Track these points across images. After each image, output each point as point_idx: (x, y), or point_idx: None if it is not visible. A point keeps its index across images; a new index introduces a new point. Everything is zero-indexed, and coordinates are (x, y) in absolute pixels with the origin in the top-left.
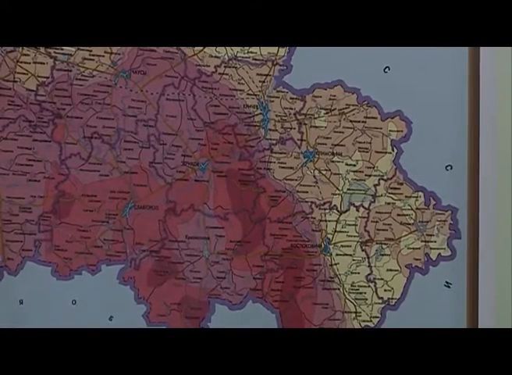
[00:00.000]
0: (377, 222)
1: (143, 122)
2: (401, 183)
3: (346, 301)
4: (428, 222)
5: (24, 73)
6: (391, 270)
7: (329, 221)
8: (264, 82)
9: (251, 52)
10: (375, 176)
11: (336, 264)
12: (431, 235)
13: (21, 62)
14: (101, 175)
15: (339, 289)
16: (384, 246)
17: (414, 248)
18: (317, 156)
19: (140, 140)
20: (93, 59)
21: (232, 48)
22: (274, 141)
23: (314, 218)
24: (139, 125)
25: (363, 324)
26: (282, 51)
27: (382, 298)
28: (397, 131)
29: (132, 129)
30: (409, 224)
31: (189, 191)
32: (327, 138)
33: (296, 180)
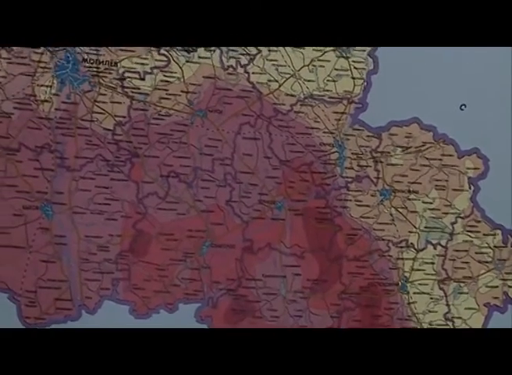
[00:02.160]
0: (454, 260)
1: (219, 160)
2: (479, 221)
3: None
4: (506, 260)
5: (101, 113)
6: (469, 309)
7: (406, 259)
8: (339, 120)
9: (327, 90)
10: (452, 213)
11: (413, 302)
12: (509, 273)
13: (98, 102)
14: (178, 214)
15: (416, 328)
16: (462, 284)
17: (492, 287)
18: (393, 194)
19: (217, 178)
20: (169, 98)
21: (308, 86)
22: (350, 179)
23: (391, 256)
24: (215, 164)
25: None
26: (358, 89)
27: None
28: (474, 169)
29: (208, 167)
30: (487, 262)
31: (265, 229)
32: (403, 176)
33: (372, 217)
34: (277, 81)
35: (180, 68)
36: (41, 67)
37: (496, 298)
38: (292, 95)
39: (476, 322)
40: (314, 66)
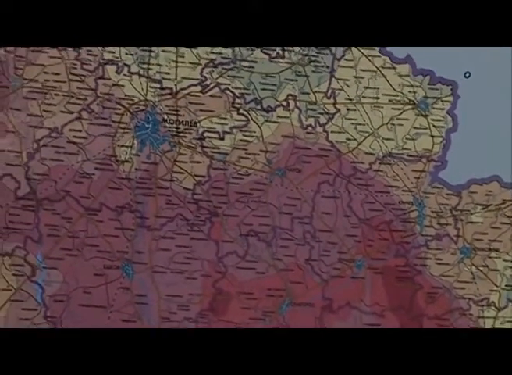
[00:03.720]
0: None
1: (298, 219)
2: None
3: None
4: None
5: (181, 173)
6: None
7: (487, 318)
8: (419, 178)
9: (406, 149)
10: None
11: None
12: None
13: (178, 162)
14: (258, 272)
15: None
16: None
17: None
18: (474, 252)
19: (296, 237)
20: (248, 158)
21: (387, 144)
22: (430, 237)
23: (472, 314)
24: (294, 222)
25: None
26: (437, 147)
27: None
28: None
29: (288, 226)
30: None
31: (345, 288)
32: (484, 234)
33: (453, 276)
34: (356, 140)
35: (259, 127)
36: (122, 128)
37: None
38: (371, 154)
39: None
40: (392, 124)
